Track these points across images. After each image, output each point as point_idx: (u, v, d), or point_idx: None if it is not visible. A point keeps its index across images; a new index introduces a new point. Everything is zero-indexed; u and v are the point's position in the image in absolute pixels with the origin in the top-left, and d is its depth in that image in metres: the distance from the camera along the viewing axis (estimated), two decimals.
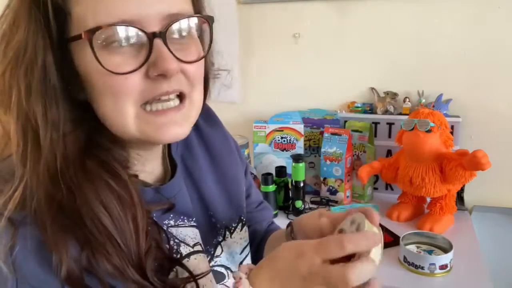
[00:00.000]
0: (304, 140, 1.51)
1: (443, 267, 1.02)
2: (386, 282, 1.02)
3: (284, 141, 1.50)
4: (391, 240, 1.17)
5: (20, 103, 0.47)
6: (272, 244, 0.76)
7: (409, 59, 1.46)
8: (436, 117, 1.20)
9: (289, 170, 1.42)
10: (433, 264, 1.01)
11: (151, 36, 0.47)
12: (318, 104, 1.58)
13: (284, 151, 1.51)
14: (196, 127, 0.71)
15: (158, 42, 0.47)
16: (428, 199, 1.31)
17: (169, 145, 0.65)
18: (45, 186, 0.46)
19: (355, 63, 1.52)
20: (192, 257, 0.60)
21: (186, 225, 0.61)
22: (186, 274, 0.55)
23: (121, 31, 0.46)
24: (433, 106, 1.39)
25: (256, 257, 0.77)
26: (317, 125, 1.53)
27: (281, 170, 1.42)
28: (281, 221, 1.34)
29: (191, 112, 0.53)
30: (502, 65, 1.36)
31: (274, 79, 1.63)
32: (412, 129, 1.20)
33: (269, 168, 1.49)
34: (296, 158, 1.35)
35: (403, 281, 1.01)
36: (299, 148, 1.49)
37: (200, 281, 0.57)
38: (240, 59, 1.64)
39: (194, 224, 0.63)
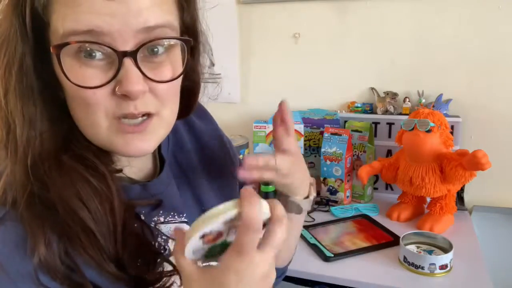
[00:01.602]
0: (304, 140, 1.51)
1: (443, 267, 1.02)
2: (386, 282, 1.03)
3: None
4: (391, 240, 1.17)
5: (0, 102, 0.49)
6: None
7: (409, 59, 1.46)
8: (436, 117, 1.20)
9: None
10: (433, 264, 1.01)
11: (121, 55, 0.46)
12: (318, 104, 1.58)
13: None
14: (188, 122, 0.71)
15: (128, 61, 0.46)
16: (428, 199, 1.31)
17: None
18: (22, 180, 0.48)
19: (355, 63, 1.52)
20: None
21: (177, 221, 0.62)
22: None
23: (90, 47, 0.46)
24: (433, 106, 1.39)
25: None
26: (317, 125, 1.53)
27: None
28: None
29: (159, 129, 0.53)
30: (502, 65, 1.36)
31: (274, 79, 1.63)
32: (412, 129, 1.20)
33: None
34: None
35: (403, 281, 1.01)
36: (299, 148, 1.49)
37: None
38: (240, 59, 1.64)
39: (185, 220, 0.63)
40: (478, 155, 1.08)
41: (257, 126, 1.52)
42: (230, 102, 1.68)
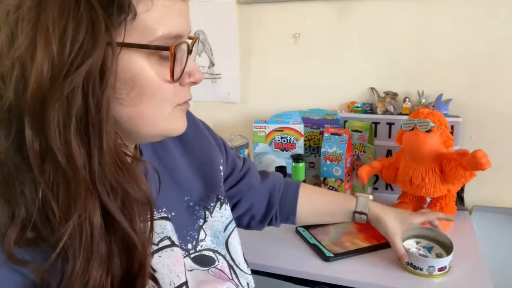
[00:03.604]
0: (304, 140, 1.51)
1: (441, 269, 1.02)
2: (386, 282, 1.03)
3: (284, 141, 1.50)
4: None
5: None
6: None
7: (409, 59, 1.46)
8: (436, 117, 1.20)
9: (289, 170, 1.42)
10: (432, 266, 1.01)
11: (189, 52, 0.53)
12: (318, 104, 1.58)
13: (284, 151, 1.51)
14: None
15: (190, 56, 0.54)
16: (428, 199, 1.31)
17: None
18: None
19: (355, 63, 1.52)
20: (156, 255, 0.60)
21: (156, 217, 0.62)
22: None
23: (185, 46, 0.52)
24: (433, 106, 1.39)
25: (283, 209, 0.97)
26: (317, 125, 1.53)
27: (281, 170, 1.42)
28: None
29: None
30: (502, 65, 1.36)
31: (274, 79, 1.63)
32: (412, 129, 1.20)
33: (269, 168, 1.49)
34: (296, 158, 1.35)
35: (403, 281, 1.01)
36: (299, 148, 1.49)
37: (167, 278, 0.58)
38: (240, 59, 1.64)
39: (165, 215, 0.63)
40: (478, 155, 1.08)
41: (257, 126, 1.52)
42: (230, 102, 1.68)
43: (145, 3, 0.47)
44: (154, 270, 0.57)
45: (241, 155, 0.94)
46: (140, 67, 0.49)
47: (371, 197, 1.04)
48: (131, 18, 0.46)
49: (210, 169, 0.75)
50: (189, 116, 0.77)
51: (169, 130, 0.56)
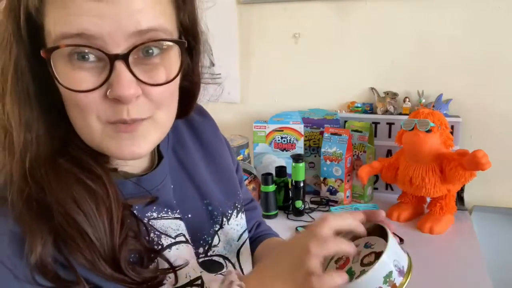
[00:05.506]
0: (304, 140, 1.51)
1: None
2: None
3: (284, 141, 1.50)
4: None
5: None
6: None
7: (409, 59, 1.46)
8: (436, 117, 1.20)
9: (289, 170, 1.42)
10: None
11: (113, 57, 0.45)
12: (318, 104, 1.58)
13: (284, 151, 1.51)
14: (188, 119, 0.72)
15: (119, 64, 0.46)
16: (428, 199, 1.31)
17: None
18: (19, 182, 0.48)
19: (355, 63, 1.52)
20: (173, 247, 0.60)
21: (170, 217, 0.62)
22: (167, 266, 0.56)
23: (80, 50, 0.45)
24: (433, 106, 1.39)
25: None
26: (317, 125, 1.53)
27: (281, 170, 1.42)
28: (281, 221, 1.35)
29: (152, 132, 0.52)
30: (502, 65, 1.36)
31: (274, 79, 1.63)
32: (412, 129, 1.20)
33: (269, 168, 1.49)
34: (296, 158, 1.35)
35: None
36: (299, 148, 1.49)
37: (183, 271, 0.58)
38: (240, 59, 1.64)
39: (178, 216, 0.63)
40: (478, 155, 1.08)
41: (257, 126, 1.52)
42: (230, 102, 1.68)
43: (45, 10, 0.46)
44: (171, 264, 0.57)
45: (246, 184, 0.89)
46: (55, 72, 0.47)
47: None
48: (37, 28, 0.47)
49: (228, 175, 0.75)
50: (212, 123, 0.77)
51: (105, 149, 0.51)
